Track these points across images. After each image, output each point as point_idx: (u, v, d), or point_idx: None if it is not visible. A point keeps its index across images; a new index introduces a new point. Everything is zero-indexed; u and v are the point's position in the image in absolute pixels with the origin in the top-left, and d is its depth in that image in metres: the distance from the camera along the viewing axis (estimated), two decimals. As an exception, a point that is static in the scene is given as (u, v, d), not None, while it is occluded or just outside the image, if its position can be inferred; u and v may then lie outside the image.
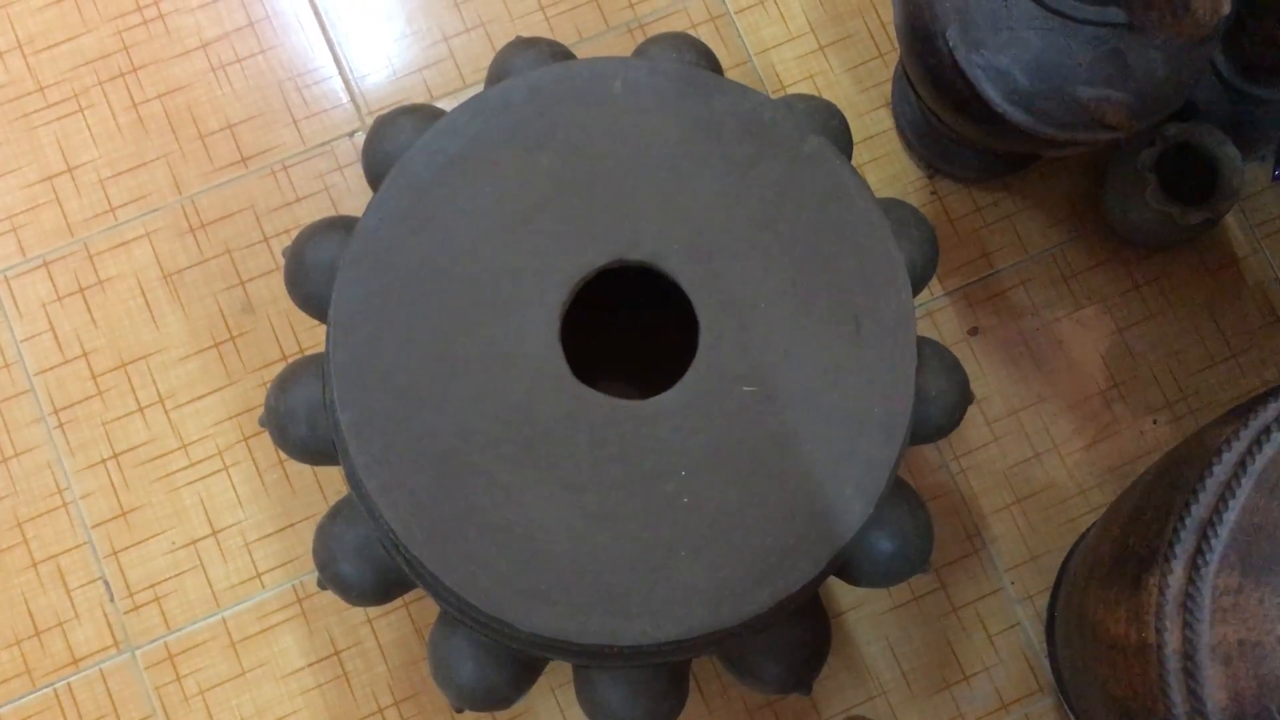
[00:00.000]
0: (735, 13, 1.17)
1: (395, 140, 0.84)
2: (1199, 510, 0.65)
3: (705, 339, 0.78)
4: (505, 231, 0.79)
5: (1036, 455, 1.10)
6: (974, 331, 1.12)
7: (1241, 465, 0.64)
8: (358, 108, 1.14)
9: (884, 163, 1.15)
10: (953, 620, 1.07)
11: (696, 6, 1.16)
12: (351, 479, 0.79)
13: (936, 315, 1.12)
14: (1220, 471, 0.65)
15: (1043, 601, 1.07)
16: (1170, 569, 0.64)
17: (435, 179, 0.79)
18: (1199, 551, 0.63)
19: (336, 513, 0.84)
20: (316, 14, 1.15)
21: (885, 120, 1.15)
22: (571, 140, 0.80)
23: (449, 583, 0.74)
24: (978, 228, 1.14)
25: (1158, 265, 1.14)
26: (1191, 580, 0.63)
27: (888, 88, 1.16)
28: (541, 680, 1.02)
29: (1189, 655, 0.62)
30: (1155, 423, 1.11)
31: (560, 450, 0.76)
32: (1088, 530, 1.00)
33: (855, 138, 1.12)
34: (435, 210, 0.79)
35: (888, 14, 1.17)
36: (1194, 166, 1.05)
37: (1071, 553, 1.02)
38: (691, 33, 1.10)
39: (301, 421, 0.82)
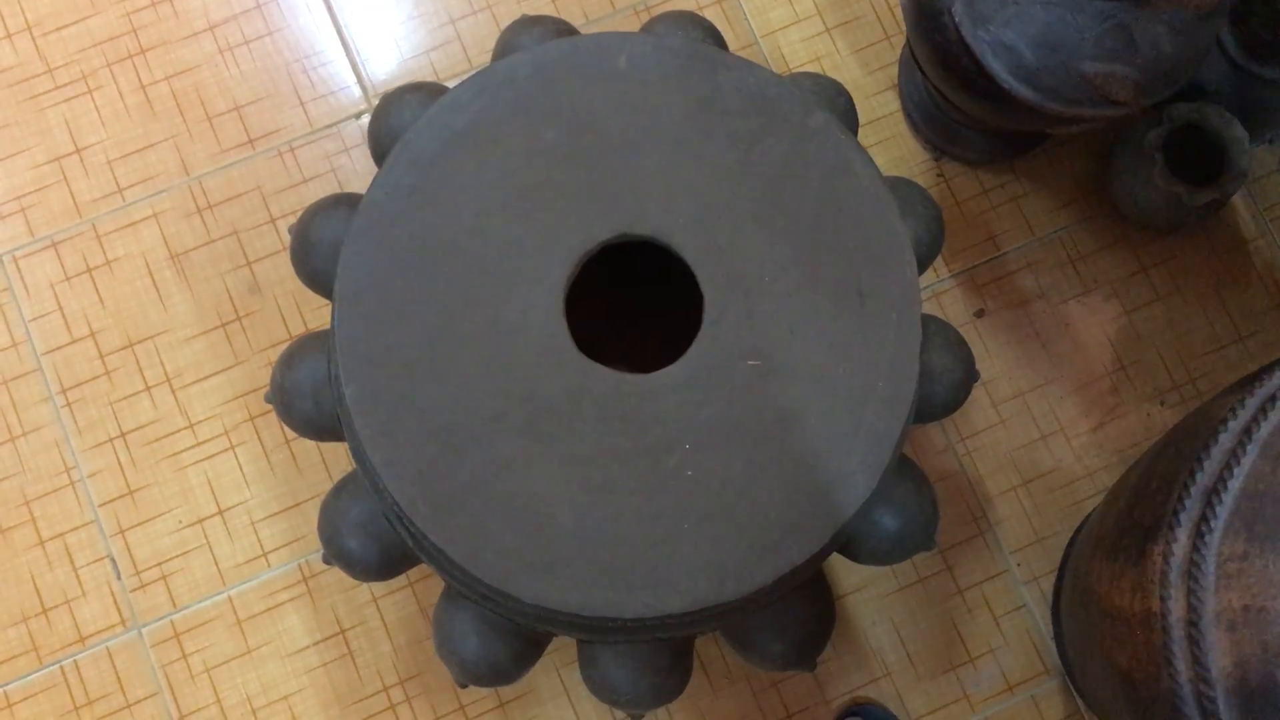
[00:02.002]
0: (742, -5, 1.16)
1: (401, 116, 0.85)
2: (1204, 478, 0.64)
3: (710, 313, 0.78)
4: (510, 206, 0.79)
5: (1043, 437, 1.10)
6: (980, 314, 1.12)
7: (1246, 433, 0.64)
8: (365, 90, 1.14)
9: (890, 145, 1.14)
10: (958, 602, 1.07)
11: (703, -11, 1.16)
12: (356, 453, 0.79)
13: (943, 297, 1.12)
14: (1225, 440, 0.65)
15: (1049, 583, 1.06)
16: (1175, 537, 0.64)
17: (440, 154, 0.79)
18: (1204, 519, 0.63)
19: (341, 488, 0.84)
20: (324, -4, 1.16)
21: (892, 102, 1.15)
22: (576, 115, 0.80)
23: (453, 556, 0.74)
24: (984, 210, 1.14)
25: (1165, 248, 1.13)
26: (1196, 548, 0.63)
27: (894, 70, 1.16)
28: (546, 660, 1.02)
29: (1193, 622, 0.62)
30: (1162, 405, 1.10)
31: (564, 424, 0.76)
32: (1094, 510, 1.00)
33: (862, 120, 1.12)
34: (440, 185, 0.79)
35: (895, -4, 1.17)
36: (1201, 148, 1.04)
37: (1077, 533, 1.02)
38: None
39: (307, 397, 0.82)
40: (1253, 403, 0.65)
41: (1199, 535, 0.63)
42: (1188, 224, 1.11)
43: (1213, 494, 0.63)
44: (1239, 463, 0.63)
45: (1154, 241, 1.13)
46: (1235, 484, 0.63)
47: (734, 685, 1.05)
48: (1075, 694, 1.04)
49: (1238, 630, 0.61)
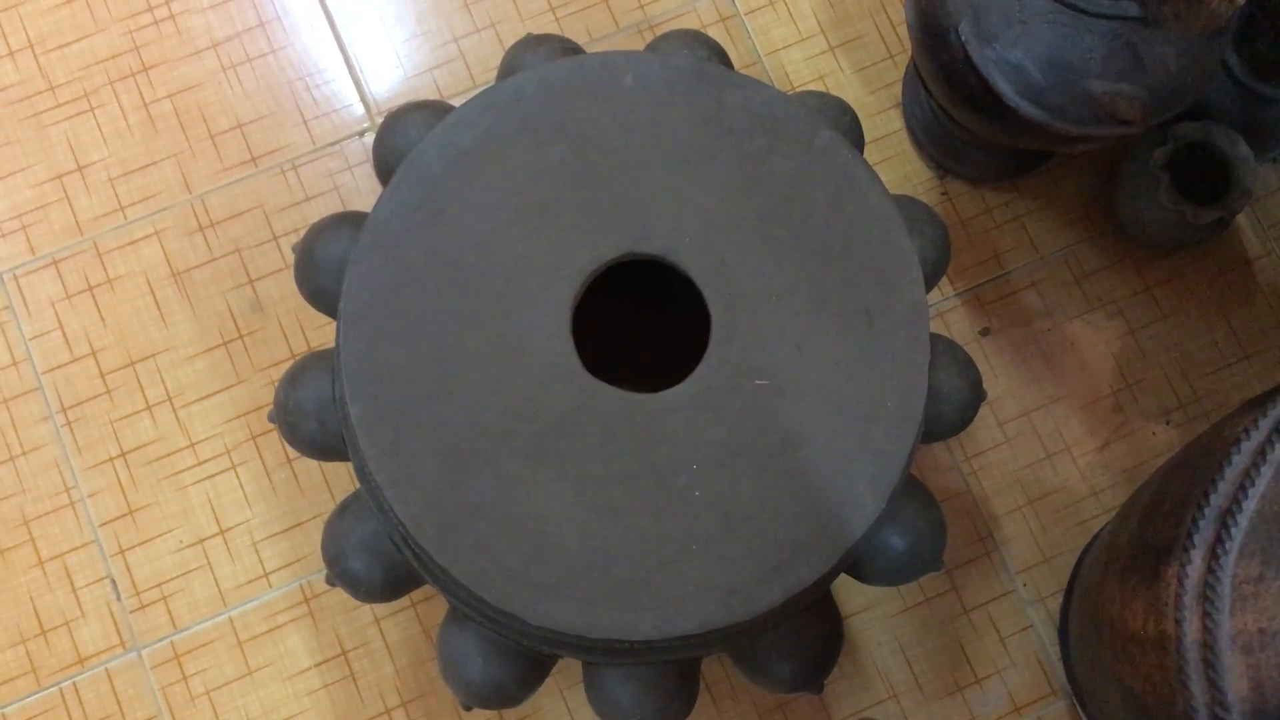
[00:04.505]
0: (745, 14, 1.16)
1: (406, 135, 0.84)
2: (1218, 499, 0.64)
3: (717, 333, 0.77)
4: (516, 224, 0.78)
5: (1048, 456, 1.09)
6: (985, 332, 1.11)
7: (1261, 454, 0.63)
8: (368, 108, 1.14)
9: (894, 163, 1.14)
10: (964, 622, 1.06)
11: (706, 7, 1.16)
12: (361, 473, 0.78)
13: (947, 316, 1.11)
14: (1239, 460, 0.64)
15: (1055, 603, 1.06)
16: (1189, 559, 0.64)
17: (446, 172, 0.79)
18: (1219, 540, 0.63)
19: (345, 508, 0.83)
20: (327, 14, 1.15)
21: (895, 121, 1.15)
22: (583, 133, 0.80)
23: (459, 576, 0.74)
24: (988, 229, 1.13)
25: (1170, 267, 1.13)
26: (1211, 569, 0.62)
27: (898, 89, 1.16)
28: (550, 682, 1.01)
29: (1209, 645, 0.61)
30: (1168, 424, 1.10)
31: (571, 444, 0.76)
32: (1101, 530, 1.00)
33: (866, 139, 1.12)
34: (446, 203, 0.79)
35: (898, 14, 1.17)
36: (1206, 167, 1.04)
37: (1085, 553, 1.01)
38: (702, 33, 1.10)
39: (311, 416, 0.81)
40: (1266, 423, 0.64)
41: (1214, 557, 0.62)
42: (1192, 243, 1.11)
43: (1227, 515, 0.63)
44: (1254, 484, 0.62)
45: (1158, 260, 1.13)
46: (1250, 505, 0.62)
47: (739, 706, 1.04)
48: (1083, 716, 1.03)
49: (1254, 653, 0.60)
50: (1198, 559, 0.64)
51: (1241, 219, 1.14)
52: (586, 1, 1.16)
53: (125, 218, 1.11)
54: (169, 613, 1.04)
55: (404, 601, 1.03)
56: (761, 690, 1.01)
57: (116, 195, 1.11)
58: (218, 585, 1.04)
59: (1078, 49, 0.83)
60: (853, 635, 1.05)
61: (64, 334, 1.08)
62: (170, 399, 1.07)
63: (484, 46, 1.15)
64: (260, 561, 1.05)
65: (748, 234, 0.79)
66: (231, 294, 1.09)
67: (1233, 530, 0.62)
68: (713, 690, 1.04)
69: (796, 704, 1.04)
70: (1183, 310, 1.12)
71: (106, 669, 1.03)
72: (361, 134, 1.13)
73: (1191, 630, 0.63)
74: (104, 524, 1.05)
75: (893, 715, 1.04)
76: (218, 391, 1.08)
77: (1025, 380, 1.11)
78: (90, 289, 1.09)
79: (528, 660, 0.81)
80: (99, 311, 1.09)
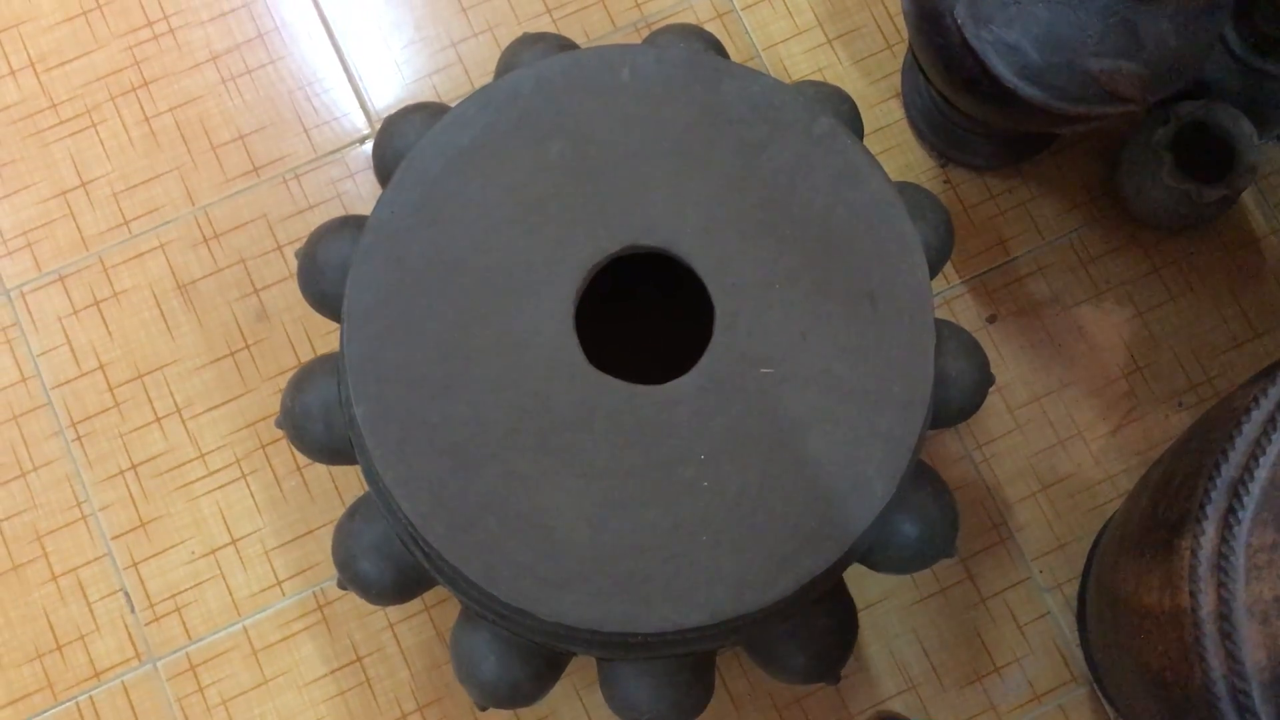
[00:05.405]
0: (742, 9, 1.16)
1: (405, 137, 0.84)
2: (1229, 470, 0.63)
3: (721, 322, 0.77)
4: (517, 221, 0.78)
5: (1060, 442, 1.08)
6: (992, 319, 1.11)
7: (1271, 422, 0.63)
8: (368, 115, 1.14)
9: (896, 153, 1.14)
10: (981, 611, 1.05)
11: (703, 4, 1.16)
12: (368, 474, 0.78)
13: (954, 304, 1.11)
14: (1249, 430, 0.64)
15: (1072, 589, 1.05)
16: (1202, 530, 0.63)
17: (445, 171, 0.79)
18: (1231, 510, 0.62)
19: (354, 511, 0.83)
20: (325, 24, 1.16)
21: (896, 111, 1.15)
22: (581, 128, 0.80)
23: (469, 574, 0.74)
24: (992, 215, 1.13)
25: (1177, 247, 1.12)
26: (1224, 540, 0.62)
27: (897, 79, 1.16)
28: (565, 682, 1.01)
29: (1225, 616, 0.61)
30: (1180, 406, 1.09)
31: (577, 438, 0.75)
32: (1115, 513, 0.99)
33: (866, 129, 1.12)
34: (446, 202, 0.79)
35: (894, 5, 1.17)
36: (1209, 146, 1.04)
37: (1100, 536, 1.01)
38: (699, 29, 1.10)
39: (317, 420, 0.81)
40: (1275, 391, 0.64)
41: (1227, 527, 0.62)
42: (1199, 223, 1.10)
43: (1239, 485, 0.62)
44: (1264, 453, 0.62)
45: (1165, 241, 1.13)
46: (1261, 474, 0.62)
47: (756, 702, 1.03)
48: (1104, 700, 1.02)
49: (1270, 622, 0.60)
50: (1211, 530, 0.63)
51: (1247, 197, 1.14)
52: (583, 2, 1.16)
53: (130, 232, 1.11)
54: (183, 624, 1.04)
55: (417, 605, 1.03)
56: (778, 682, 1.00)
57: (120, 210, 1.11)
58: (231, 595, 1.04)
59: (1074, 27, 0.83)
60: (869, 627, 1.05)
61: (72, 349, 1.08)
62: (179, 410, 1.07)
63: (482, 50, 1.15)
64: (273, 570, 1.05)
65: (749, 223, 0.79)
66: (237, 304, 1.10)
67: (1245, 500, 0.62)
68: (730, 688, 1.03)
69: (814, 698, 1.03)
70: (1191, 291, 1.12)
71: (122, 682, 1.03)
72: (362, 141, 1.13)
73: (1207, 602, 0.62)
74: (116, 537, 1.05)
75: (912, 707, 1.04)
76: (226, 402, 1.08)
77: (1034, 366, 1.10)
78: (97, 303, 1.09)
79: (541, 658, 0.81)
80: (106, 326, 1.09)
